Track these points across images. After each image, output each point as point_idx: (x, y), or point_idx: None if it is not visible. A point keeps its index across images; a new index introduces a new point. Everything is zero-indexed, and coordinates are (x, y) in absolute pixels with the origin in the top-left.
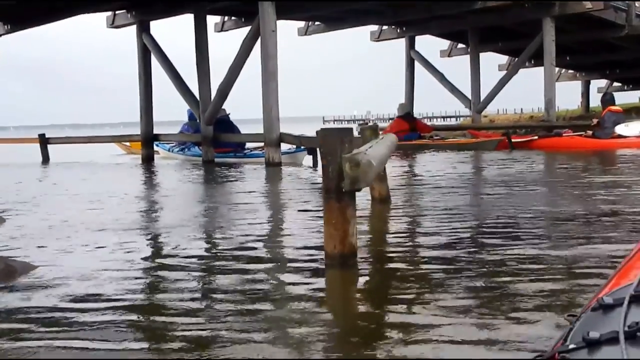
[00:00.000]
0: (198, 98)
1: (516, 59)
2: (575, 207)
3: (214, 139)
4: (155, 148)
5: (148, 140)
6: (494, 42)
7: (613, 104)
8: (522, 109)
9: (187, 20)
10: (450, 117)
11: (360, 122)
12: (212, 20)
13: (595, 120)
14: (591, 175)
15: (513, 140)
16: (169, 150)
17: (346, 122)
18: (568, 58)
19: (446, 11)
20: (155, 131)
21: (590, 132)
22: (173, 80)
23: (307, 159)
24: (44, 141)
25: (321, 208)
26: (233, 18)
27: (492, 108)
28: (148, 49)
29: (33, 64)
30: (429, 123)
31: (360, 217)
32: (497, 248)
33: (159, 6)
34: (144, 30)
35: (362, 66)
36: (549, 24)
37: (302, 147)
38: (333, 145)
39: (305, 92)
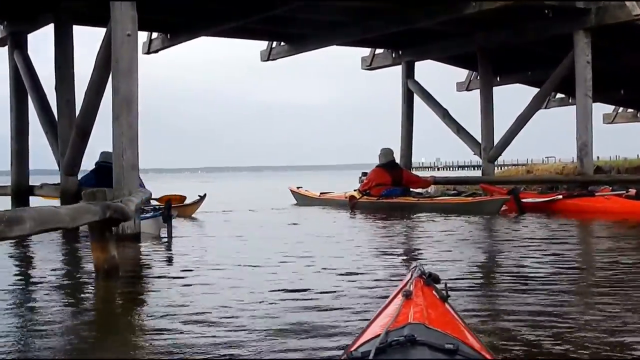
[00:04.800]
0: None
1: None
2: None
3: (77, 194)
4: None
5: (20, 194)
6: (521, 71)
7: None
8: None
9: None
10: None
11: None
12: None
13: None
14: None
15: (524, 200)
16: None
17: (413, 169)
18: (622, 92)
19: (430, 20)
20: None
21: (633, 191)
22: (39, 111)
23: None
24: None
25: None
26: (160, 35)
27: (536, 156)
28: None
29: None
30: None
31: None
32: None
33: (26, 14)
34: (16, 46)
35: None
36: (583, 40)
37: (158, 211)
38: None
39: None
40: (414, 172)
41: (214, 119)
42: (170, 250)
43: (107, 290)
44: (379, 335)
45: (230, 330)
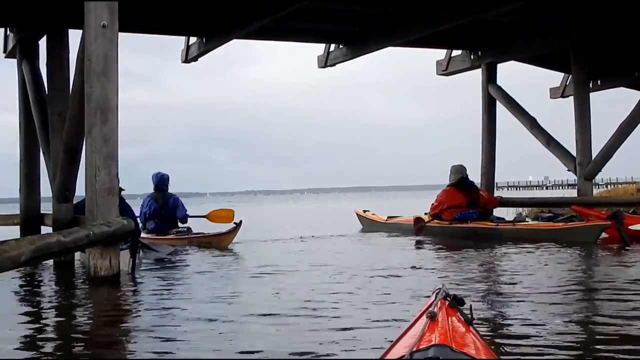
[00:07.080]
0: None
1: None
2: None
3: (73, 222)
4: None
5: (30, 223)
6: (625, 72)
7: None
8: None
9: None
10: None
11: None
12: (176, 45)
13: None
14: None
15: (631, 227)
16: None
17: (521, 188)
18: None
19: (502, 7)
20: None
21: None
22: (39, 128)
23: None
24: None
25: None
26: (196, 40)
27: None
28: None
29: (231, 132)
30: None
31: None
32: None
33: (26, 18)
34: (25, 55)
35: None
36: None
37: (126, 243)
38: None
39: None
40: (523, 192)
41: (320, 138)
42: (131, 293)
43: None
44: (403, 356)
45: None
